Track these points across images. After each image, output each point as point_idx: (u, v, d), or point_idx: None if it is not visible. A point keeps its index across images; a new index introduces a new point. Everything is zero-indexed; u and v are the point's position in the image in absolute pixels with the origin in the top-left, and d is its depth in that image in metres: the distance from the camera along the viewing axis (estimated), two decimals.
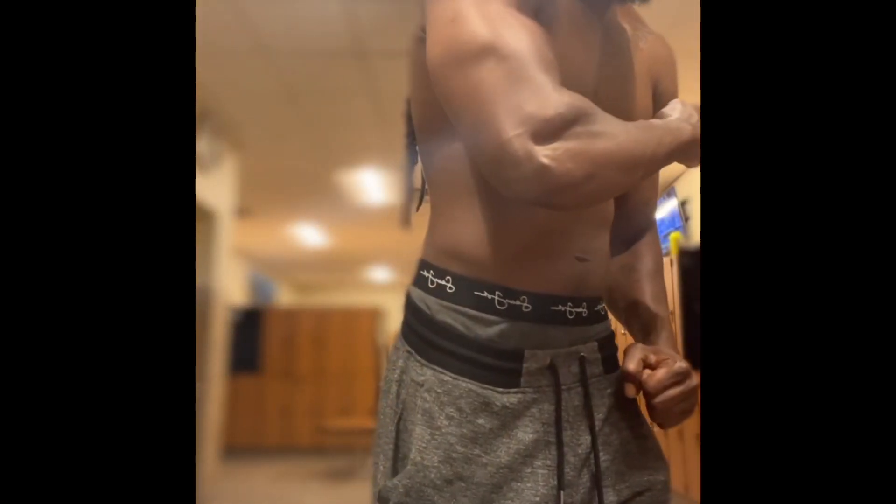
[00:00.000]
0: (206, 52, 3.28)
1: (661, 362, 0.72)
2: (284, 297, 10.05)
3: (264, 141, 4.51)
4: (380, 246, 7.78)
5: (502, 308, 0.68)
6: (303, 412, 6.96)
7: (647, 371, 0.71)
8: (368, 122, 4.25)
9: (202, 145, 3.97)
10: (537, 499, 0.64)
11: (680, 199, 4.93)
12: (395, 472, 0.68)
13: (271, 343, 7.15)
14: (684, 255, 3.90)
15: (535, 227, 0.70)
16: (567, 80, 0.61)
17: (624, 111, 0.73)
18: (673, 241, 4.93)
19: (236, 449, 6.49)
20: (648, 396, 0.71)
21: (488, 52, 0.57)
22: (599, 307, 0.76)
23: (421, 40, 0.69)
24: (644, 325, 0.81)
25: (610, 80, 0.75)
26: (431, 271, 0.71)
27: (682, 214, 3.86)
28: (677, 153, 0.68)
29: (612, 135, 0.59)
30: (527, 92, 0.56)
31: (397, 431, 0.69)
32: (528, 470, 0.65)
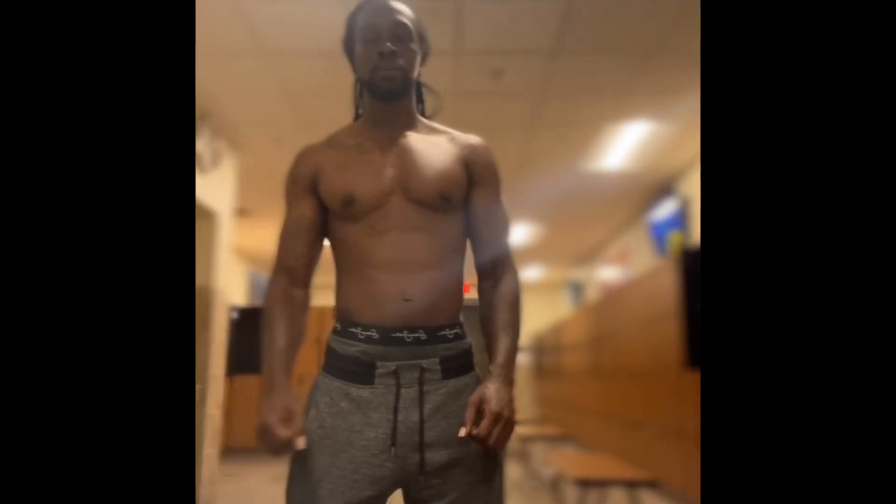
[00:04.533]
0: (206, 52, 3.28)
1: (482, 411, 1.04)
2: None
3: (264, 141, 4.50)
4: None
5: (362, 337, 1.09)
6: (303, 412, 6.94)
7: (474, 427, 1.03)
8: None
9: (202, 145, 3.97)
10: (376, 450, 1.05)
11: (680, 198, 4.93)
12: None
13: None
14: (686, 255, 3.90)
15: (371, 283, 1.09)
16: (370, 175, 1.13)
17: (429, 179, 1.12)
18: (673, 242, 4.92)
19: (236, 449, 6.49)
20: (483, 442, 1.02)
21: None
22: (444, 333, 1.11)
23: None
24: (490, 347, 1.13)
25: (410, 165, 1.13)
26: (335, 317, 1.15)
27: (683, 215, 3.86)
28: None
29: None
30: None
31: (307, 415, 1.11)
32: (373, 434, 1.05)
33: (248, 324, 7.04)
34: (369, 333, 1.08)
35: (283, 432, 1.01)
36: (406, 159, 1.14)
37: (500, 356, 1.09)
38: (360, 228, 1.11)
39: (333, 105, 4.06)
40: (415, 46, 1.16)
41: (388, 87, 1.13)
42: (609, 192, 5.55)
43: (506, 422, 1.03)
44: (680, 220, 5.03)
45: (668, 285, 4.07)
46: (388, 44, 1.11)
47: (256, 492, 4.78)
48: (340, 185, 1.13)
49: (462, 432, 1.04)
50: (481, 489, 1.08)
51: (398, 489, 1.09)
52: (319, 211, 1.17)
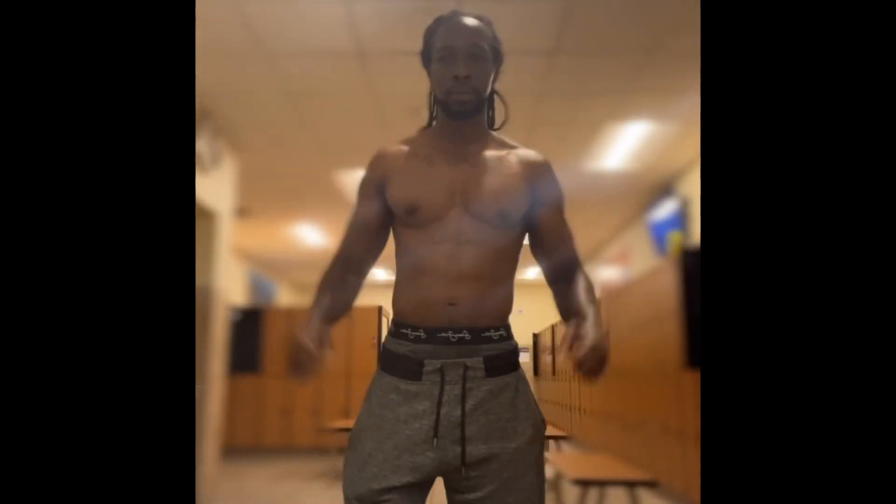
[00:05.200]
0: (206, 52, 3.28)
1: (579, 338, 1.07)
2: (284, 297, 10.05)
3: (264, 141, 4.50)
4: None
5: (411, 337, 1.17)
6: (303, 412, 6.95)
7: (573, 347, 1.07)
8: (368, 122, 4.24)
9: (202, 145, 3.97)
10: (419, 440, 1.12)
11: (680, 198, 4.93)
12: None
13: (271, 343, 7.14)
14: (686, 255, 3.90)
15: (422, 288, 1.17)
16: (435, 188, 1.19)
17: (489, 197, 1.19)
18: (673, 242, 4.92)
19: (236, 449, 6.49)
20: (579, 366, 1.05)
21: None
22: (488, 334, 1.17)
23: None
24: (576, 312, 1.18)
25: (473, 181, 1.20)
26: (391, 320, 1.24)
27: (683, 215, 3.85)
28: None
29: None
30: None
31: (362, 407, 1.21)
32: (417, 424, 1.13)
33: (248, 324, 7.04)
34: (418, 334, 1.16)
35: (313, 349, 1.09)
36: (470, 175, 1.21)
37: (591, 314, 1.14)
38: (419, 236, 1.19)
39: (333, 105, 4.06)
40: (489, 66, 1.21)
41: (461, 110, 1.20)
42: (609, 192, 5.55)
43: (602, 353, 1.05)
44: (680, 220, 5.03)
45: (668, 285, 4.07)
46: (463, 68, 1.17)
47: (256, 492, 4.78)
48: (406, 194, 1.20)
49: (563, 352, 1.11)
50: (519, 483, 1.13)
51: (438, 478, 1.16)
52: (383, 212, 1.25)
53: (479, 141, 1.25)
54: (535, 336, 9.64)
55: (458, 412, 1.13)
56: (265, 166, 4.92)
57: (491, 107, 1.30)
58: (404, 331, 1.18)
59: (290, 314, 7.37)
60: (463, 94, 1.18)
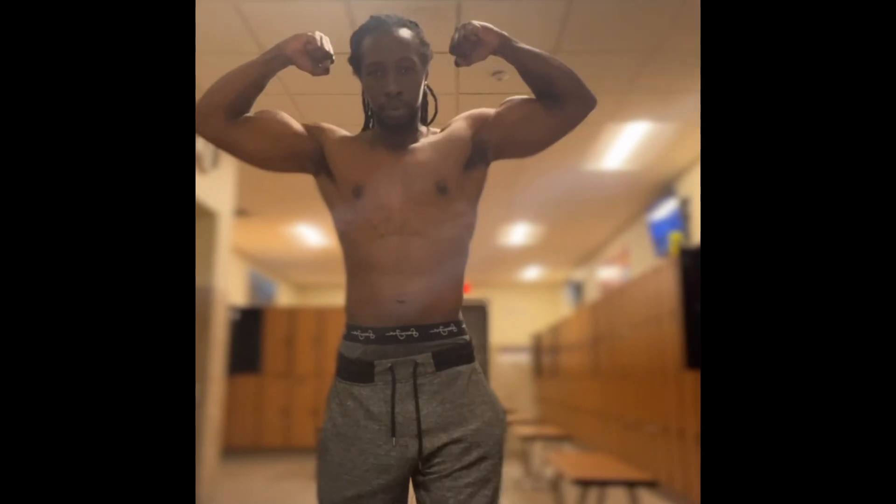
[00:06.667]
0: (206, 52, 3.28)
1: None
2: (284, 297, 10.05)
3: None
4: None
5: (361, 339, 1.18)
6: (303, 412, 6.95)
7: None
8: None
9: (202, 145, 3.97)
10: (380, 441, 1.14)
11: (680, 199, 4.93)
12: None
13: (271, 343, 7.15)
14: (686, 255, 3.90)
15: (370, 286, 1.18)
16: (378, 172, 1.22)
17: (426, 171, 1.22)
18: (673, 242, 4.92)
19: (236, 449, 6.50)
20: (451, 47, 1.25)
21: None
22: (437, 331, 1.17)
23: None
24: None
25: (411, 163, 1.23)
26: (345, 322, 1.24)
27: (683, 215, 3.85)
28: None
29: None
30: None
31: (325, 419, 1.22)
32: (376, 426, 1.15)
33: (248, 324, 7.04)
34: (367, 335, 1.17)
35: (317, 37, 1.21)
36: (409, 158, 1.24)
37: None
38: (365, 232, 1.19)
39: (333, 105, 4.06)
40: (419, 76, 1.24)
41: (395, 124, 1.23)
42: (609, 192, 5.55)
43: (472, 29, 1.21)
44: (680, 220, 5.03)
45: (667, 285, 4.07)
46: (394, 85, 1.19)
47: (256, 492, 4.78)
48: (351, 173, 1.23)
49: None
50: (481, 465, 1.14)
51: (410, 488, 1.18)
52: (299, 147, 1.28)
53: (415, 140, 1.28)
54: (535, 336, 9.64)
55: (412, 407, 1.14)
56: None
57: (425, 103, 1.33)
58: (355, 332, 1.19)
59: (290, 314, 7.38)
60: (396, 109, 1.21)
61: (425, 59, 1.26)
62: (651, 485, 2.98)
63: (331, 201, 1.29)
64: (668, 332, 4.03)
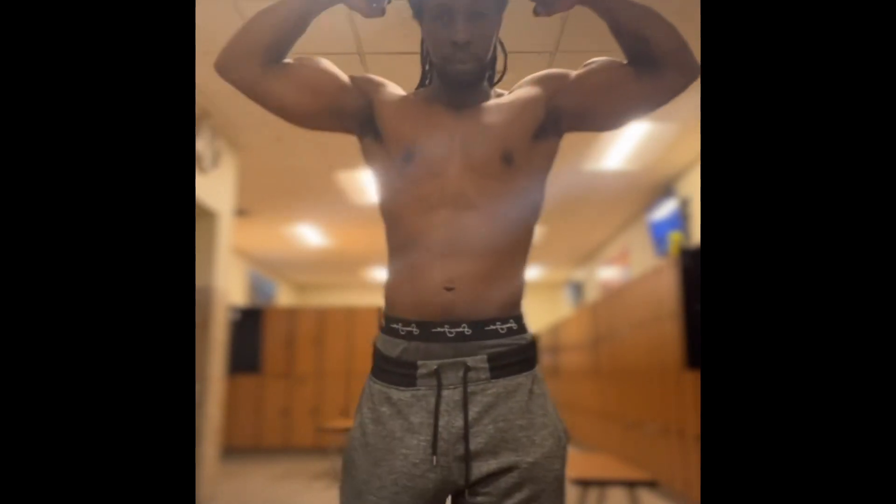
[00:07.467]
0: (206, 52, 3.28)
1: None
2: (284, 297, 10.05)
3: (264, 141, 4.50)
4: (380, 246, 7.76)
5: (402, 333, 0.99)
6: (303, 412, 6.95)
7: None
8: None
9: (202, 145, 3.97)
10: (417, 460, 0.94)
11: (680, 199, 4.93)
12: None
13: (271, 343, 7.15)
14: (686, 255, 3.90)
15: (413, 269, 0.99)
16: (434, 135, 1.03)
17: (491, 137, 1.03)
18: (673, 242, 4.92)
19: (236, 449, 6.50)
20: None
21: None
22: (493, 327, 0.98)
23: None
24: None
25: (473, 127, 1.04)
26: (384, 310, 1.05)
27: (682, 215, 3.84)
28: None
29: None
30: None
31: (355, 421, 1.04)
32: (413, 441, 0.95)
33: (248, 324, 7.04)
34: (410, 329, 0.98)
35: None
36: (471, 120, 1.05)
37: None
38: (413, 203, 1.01)
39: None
40: (493, 24, 1.04)
41: (460, 80, 1.04)
42: (609, 192, 5.55)
43: None
44: (680, 220, 5.03)
45: (667, 285, 4.06)
46: (463, 32, 1.00)
47: (256, 492, 4.78)
48: (403, 133, 1.04)
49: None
50: None
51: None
52: (349, 102, 1.09)
53: (482, 100, 1.09)
54: (535, 336, 9.64)
55: (460, 422, 0.94)
56: (265, 166, 4.91)
57: (494, 59, 1.12)
58: (395, 326, 1.00)
59: (290, 314, 7.38)
60: (463, 63, 1.02)
61: (502, 4, 1.06)
62: (651, 485, 2.98)
63: (376, 167, 1.09)
64: (668, 332, 4.03)
